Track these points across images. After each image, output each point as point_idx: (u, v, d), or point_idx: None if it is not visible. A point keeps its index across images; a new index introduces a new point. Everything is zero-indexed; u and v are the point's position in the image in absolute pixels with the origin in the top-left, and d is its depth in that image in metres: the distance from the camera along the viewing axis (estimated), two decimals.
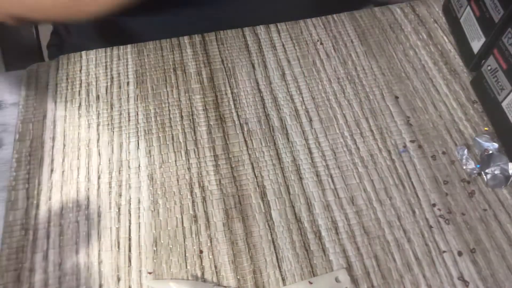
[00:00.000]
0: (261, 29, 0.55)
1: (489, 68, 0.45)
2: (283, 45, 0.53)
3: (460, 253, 0.39)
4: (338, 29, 0.55)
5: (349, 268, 0.39)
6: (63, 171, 0.44)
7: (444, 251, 0.39)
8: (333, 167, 0.44)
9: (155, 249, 0.40)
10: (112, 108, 0.48)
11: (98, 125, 0.47)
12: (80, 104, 0.49)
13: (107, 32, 0.62)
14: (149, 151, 0.45)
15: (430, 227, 0.41)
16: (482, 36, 0.47)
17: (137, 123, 0.47)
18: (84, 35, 0.64)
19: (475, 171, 0.43)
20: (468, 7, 0.49)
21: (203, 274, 0.39)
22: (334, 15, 0.56)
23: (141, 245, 0.40)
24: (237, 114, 0.48)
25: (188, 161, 0.45)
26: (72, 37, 0.66)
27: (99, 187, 0.43)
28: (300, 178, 0.44)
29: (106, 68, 0.51)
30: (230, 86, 0.50)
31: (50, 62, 0.52)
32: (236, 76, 0.51)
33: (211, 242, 0.40)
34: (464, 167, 0.44)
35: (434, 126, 0.47)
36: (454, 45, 0.53)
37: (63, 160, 0.45)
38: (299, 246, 0.40)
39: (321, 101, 0.49)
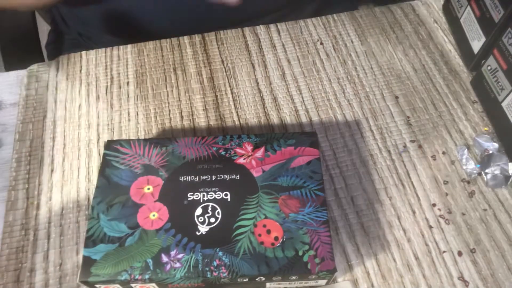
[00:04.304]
0: (261, 29, 0.55)
1: (489, 68, 0.45)
2: (283, 45, 0.53)
3: (460, 253, 0.39)
4: (338, 29, 0.55)
5: (349, 268, 0.39)
6: (63, 171, 0.44)
7: (444, 251, 0.39)
8: (333, 167, 0.44)
9: None
10: (112, 108, 0.48)
11: (98, 125, 0.47)
12: (80, 104, 0.49)
13: (108, 28, 0.62)
14: None
15: (430, 227, 0.41)
16: (482, 36, 0.47)
17: (137, 123, 0.47)
18: (83, 30, 0.64)
19: (475, 171, 0.43)
20: (468, 7, 0.49)
21: None
22: (334, 15, 0.56)
23: None
24: (237, 114, 0.48)
25: None
26: (71, 31, 0.66)
27: None
28: None
29: (106, 68, 0.51)
30: (230, 86, 0.50)
31: (50, 62, 0.52)
32: (236, 76, 0.51)
33: None
34: (464, 167, 0.44)
35: (434, 126, 0.47)
36: (454, 45, 0.53)
37: (63, 160, 0.45)
38: None
39: (321, 101, 0.49)
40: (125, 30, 0.61)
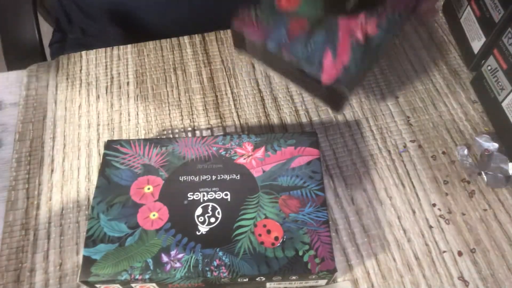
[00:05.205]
0: None
1: (489, 68, 0.45)
2: None
3: (460, 253, 0.39)
4: None
5: (349, 268, 0.39)
6: (63, 171, 0.44)
7: (444, 251, 0.39)
8: (333, 167, 0.44)
9: None
10: (112, 108, 0.48)
11: (98, 125, 0.47)
12: (80, 104, 0.49)
13: (111, 19, 0.62)
14: None
15: (430, 227, 0.41)
16: (482, 36, 0.47)
17: (137, 123, 0.47)
18: (86, 25, 0.65)
19: (475, 171, 0.43)
20: (468, 7, 0.49)
21: None
22: None
23: None
24: (237, 114, 0.48)
25: None
26: (75, 31, 0.66)
27: None
28: None
29: (106, 68, 0.51)
30: (230, 86, 0.50)
31: (50, 62, 0.52)
32: (236, 76, 0.51)
33: None
34: (464, 167, 0.44)
35: (434, 126, 0.47)
36: (454, 45, 0.53)
37: (64, 160, 0.45)
38: None
39: None
40: (127, 22, 0.61)
